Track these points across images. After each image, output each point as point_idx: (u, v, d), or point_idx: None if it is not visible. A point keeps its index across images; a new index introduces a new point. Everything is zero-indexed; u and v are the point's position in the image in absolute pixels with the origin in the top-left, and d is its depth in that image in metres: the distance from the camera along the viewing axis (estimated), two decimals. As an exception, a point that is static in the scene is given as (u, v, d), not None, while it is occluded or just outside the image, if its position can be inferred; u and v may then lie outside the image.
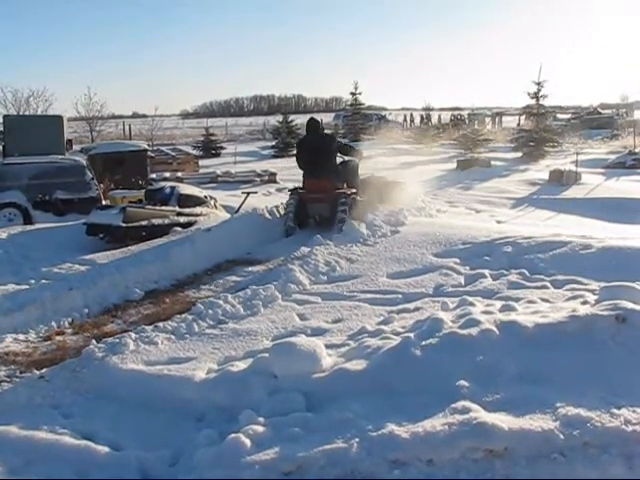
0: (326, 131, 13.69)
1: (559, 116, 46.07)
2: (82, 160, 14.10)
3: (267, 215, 11.72)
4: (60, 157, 13.86)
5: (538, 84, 27.25)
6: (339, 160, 12.03)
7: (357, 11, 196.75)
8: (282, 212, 11.86)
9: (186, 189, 12.66)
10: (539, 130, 26.54)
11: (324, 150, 11.50)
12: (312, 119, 12.23)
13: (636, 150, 24.87)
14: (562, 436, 3.82)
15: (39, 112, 30.52)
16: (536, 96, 27.35)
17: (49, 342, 6.61)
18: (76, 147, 20.54)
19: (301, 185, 11.84)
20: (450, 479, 3.70)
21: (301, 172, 11.84)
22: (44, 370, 5.66)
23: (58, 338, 6.73)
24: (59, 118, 15.70)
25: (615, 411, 4.01)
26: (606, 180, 18.87)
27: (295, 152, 12.76)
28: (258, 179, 20.69)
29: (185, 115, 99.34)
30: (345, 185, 11.61)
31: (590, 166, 21.92)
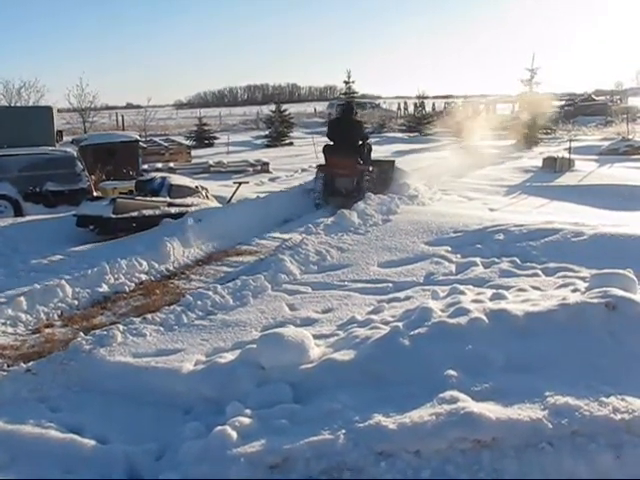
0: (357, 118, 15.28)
1: (553, 103, 45.95)
2: (72, 151, 13.98)
3: None
4: (50, 148, 13.75)
5: (531, 71, 27.21)
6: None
7: (351, 0, 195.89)
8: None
9: (177, 180, 12.59)
10: (532, 118, 26.46)
11: (353, 133, 13.45)
12: (348, 104, 14.98)
13: (629, 137, 24.84)
14: (550, 425, 3.79)
15: (31, 103, 30.28)
16: (529, 83, 27.30)
17: (38, 335, 6.55)
18: (67, 138, 20.41)
19: (325, 163, 13.57)
20: (438, 470, 3.67)
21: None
22: (31, 363, 5.60)
23: (47, 331, 6.68)
24: (49, 109, 15.57)
25: (604, 399, 3.98)
26: (599, 167, 18.81)
27: (327, 129, 14.51)
28: (251, 169, 20.61)
29: (179, 105, 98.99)
30: (363, 163, 13.33)
31: (584, 153, 21.85)
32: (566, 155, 18.69)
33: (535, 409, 3.92)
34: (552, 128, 29.74)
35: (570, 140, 20.71)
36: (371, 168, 13.45)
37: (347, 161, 12.98)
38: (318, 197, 13.08)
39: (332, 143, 13.71)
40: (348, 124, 13.57)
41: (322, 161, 14.24)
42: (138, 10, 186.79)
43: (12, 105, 28.90)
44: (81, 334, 6.17)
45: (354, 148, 13.30)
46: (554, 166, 18.05)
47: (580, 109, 43.66)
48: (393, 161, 15.49)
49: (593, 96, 52.09)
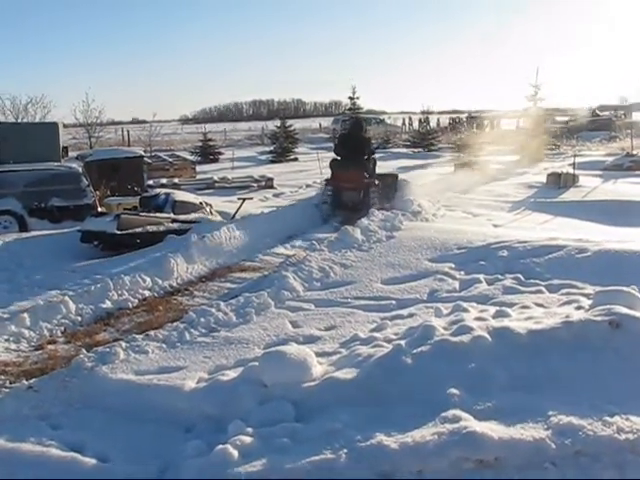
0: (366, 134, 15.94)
1: (557, 118, 45.97)
2: (77, 167, 14.04)
3: None
4: (56, 164, 13.82)
5: (535, 87, 27.28)
6: None
7: (357, 15, 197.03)
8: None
9: (181, 196, 12.64)
10: (536, 133, 26.51)
11: (361, 148, 13.99)
12: (358, 120, 15.78)
13: (634, 152, 24.83)
14: (554, 445, 3.77)
15: (37, 119, 30.43)
16: (533, 99, 27.36)
17: (40, 351, 6.54)
18: (73, 153, 20.48)
19: (331, 177, 14.08)
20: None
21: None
22: (33, 380, 5.58)
23: (50, 347, 6.67)
24: (54, 125, 15.68)
25: (608, 419, 3.96)
26: (603, 182, 18.82)
27: (336, 143, 15.07)
28: (255, 185, 20.65)
29: (184, 120, 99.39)
30: (369, 177, 13.78)
31: (588, 168, 21.85)
32: (570, 171, 18.69)
33: (538, 429, 3.90)
34: (556, 144, 29.75)
35: (574, 156, 20.69)
36: (377, 182, 13.94)
37: (354, 175, 13.49)
38: (326, 210, 13.60)
39: (339, 158, 14.21)
40: (357, 139, 14.09)
41: (327, 176, 14.78)
42: (144, 26, 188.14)
43: (19, 121, 29.03)
44: (83, 351, 6.16)
45: (361, 162, 13.82)
46: (558, 182, 18.05)
47: (584, 124, 43.65)
48: (396, 175, 15.96)
49: (597, 111, 52.12)
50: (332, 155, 14.65)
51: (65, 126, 26.63)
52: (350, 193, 13.59)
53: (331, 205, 13.69)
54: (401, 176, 16.21)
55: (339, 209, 13.63)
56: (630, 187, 17.75)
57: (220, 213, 13.26)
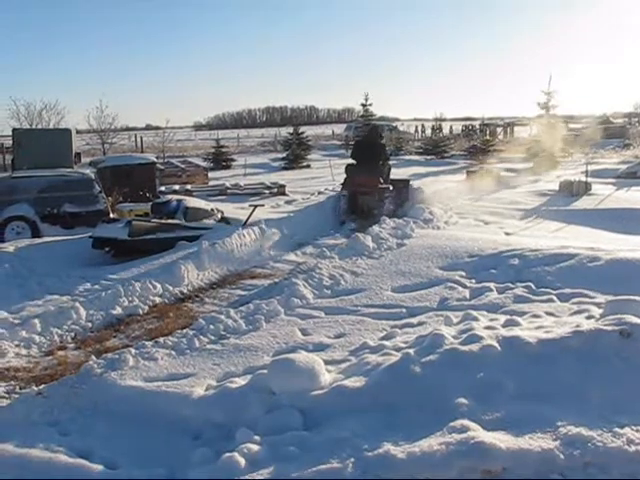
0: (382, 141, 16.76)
1: (571, 125, 45.82)
2: (90, 173, 14.12)
3: None
4: (68, 170, 13.92)
5: (548, 94, 27.22)
6: None
7: (370, 22, 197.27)
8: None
9: (193, 202, 12.65)
10: (549, 141, 26.42)
11: (376, 154, 14.68)
12: (375, 127, 16.71)
13: (648, 160, 24.70)
14: (562, 456, 3.74)
15: (51, 125, 30.64)
16: (546, 106, 27.29)
17: (50, 357, 6.58)
18: (86, 159, 20.61)
19: (347, 180, 14.57)
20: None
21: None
22: (43, 386, 5.61)
23: (60, 353, 6.70)
24: (67, 132, 15.80)
25: (617, 430, 3.93)
26: (617, 190, 18.67)
27: (353, 149, 16.12)
28: (267, 191, 20.64)
29: (198, 127, 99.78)
30: (383, 182, 14.39)
31: (601, 176, 21.72)
32: (583, 179, 18.59)
33: (547, 439, 3.88)
34: (569, 151, 29.63)
35: (587, 163, 20.59)
36: (391, 187, 14.50)
37: (370, 180, 14.12)
38: (343, 213, 14.15)
39: (355, 163, 14.99)
40: (373, 145, 14.95)
41: (341, 181, 15.33)
42: (159, 32, 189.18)
43: (33, 127, 29.24)
44: (93, 357, 6.18)
45: (376, 168, 14.50)
46: (571, 190, 17.94)
47: (598, 131, 43.46)
48: (408, 180, 16.37)
49: (611, 119, 51.91)
50: (344, 162, 15.53)
51: (78, 132, 26.78)
52: (366, 197, 14.14)
53: (347, 209, 14.22)
54: (413, 183, 16.22)
55: (354, 213, 14.15)
56: (643, 195, 17.62)
57: (232, 220, 13.25)
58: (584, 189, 17.91)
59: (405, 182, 15.92)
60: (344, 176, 15.21)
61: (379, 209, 13.77)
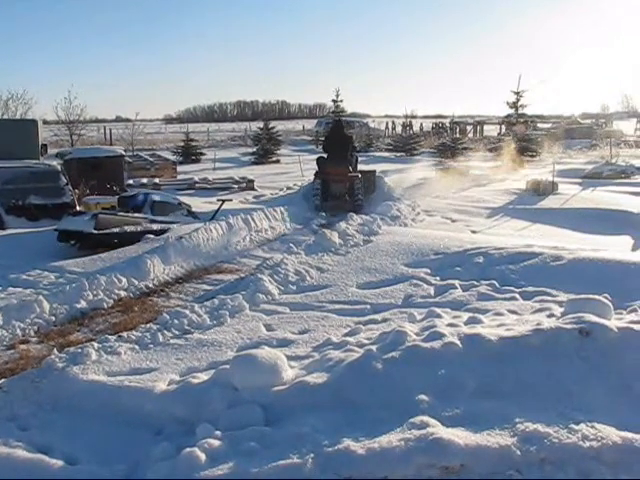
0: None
1: (540, 125, 46.30)
2: (56, 165, 13.98)
3: None
4: (34, 162, 13.75)
5: (517, 94, 27.49)
6: None
7: (341, 19, 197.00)
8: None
9: (160, 196, 12.58)
10: (518, 139, 26.69)
11: (345, 146, 16.36)
12: (339, 121, 18.45)
13: (613, 160, 25.05)
14: (519, 452, 3.79)
15: (18, 115, 30.22)
16: (515, 106, 27.57)
17: (12, 351, 6.48)
18: (53, 151, 20.37)
19: (319, 170, 16.30)
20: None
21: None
22: (2, 380, 5.54)
23: (22, 347, 6.61)
24: (34, 122, 15.60)
25: (573, 426, 3.99)
26: (582, 190, 18.95)
27: (323, 142, 18.26)
28: (236, 186, 20.59)
29: (168, 120, 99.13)
30: (352, 170, 16.16)
31: (568, 176, 22.02)
32: (550, 178, 18.82)
33: (505, 435, 3.92)
34: (537, 150, 29.94)
35: (554, 163, 20.84)
36: (360, 175, 16.18)
37: (340, 169, 15.95)
38: (317, 199, 15.69)
39: (325, 155, 16.68)
40: (340, 138, 16.71)
41: (308, 179, 17.21)
42: (130, 24, 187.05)
43: (-1, 117, 28.83)
44: (55, 351, 6.11)
45: (345, 158, 16.22)
46: (538, 189, 18.16)
47: (566, 132, 43.98)
48: (374, 171, 18.21)
49: (579, 119, 52.58)
50: (314, 158, 17.24)
51: (46, 123, 26.48)
52: (338, 185, 15.97)
53: (321, 195, 15.81)
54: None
55: (328, 199, 15.91)
56: (608, 195, 17.89)
57: (199, 214, 13.22)
58: (551, 188, 18.15)
59: (372, 172, 17.70)
60: (314, 171, 16.83)
61: (350, 195, 15.74)
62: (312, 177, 16.84)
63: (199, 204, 15.06)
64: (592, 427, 3.98)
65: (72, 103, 32.67)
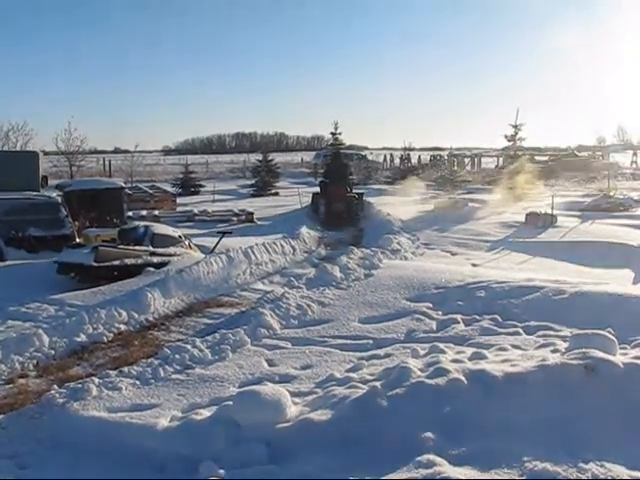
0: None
1: (537, 158, 46.49)
2: (56, 197, 13.96)
3: None
4: (34, 194, 13.72)
5: (515, 127, 27.63)
6: None
7: (340, 51, 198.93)
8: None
9: (160, 229, 12.54)
10: (516, 172, 26.76)
11: (343, 172, 22.18)
12: (337, 153, 23.39)
13: (611, 193, 25.10)
14: (528, 492, 3.73)
15: (18, 146, 30.24)
16: (513, 139, 27.71)
17: (11, 385, 6.42)
18: (53, 182, 20.36)
19: (322, 192, 21.58)
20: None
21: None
22: (1, 416, 5.48)
23: (21, 381, 6.55)
24: (35, 154, 15.61)
25: (583, 465, 3.94)
26: (581, 223, 18.95)
27: (325, 170, 24.77)
28: (235, 218, 20.58)
29: (167, 151, 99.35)
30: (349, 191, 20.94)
31: (566, 208, 22.03)
32: (549, 211, 18.84)
33: (512, 474, 3.87)
34: (535, 183, 30.00)
35: (553, 196, 20.88)
36: (356, 195, 20.88)
37: (340, 191, 20.51)
38: (321, 216, 20.09)
39: (327, 180, 21.77)
40: (339, 166, 22.42)
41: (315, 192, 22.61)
42: (129, 55, 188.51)
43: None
44: (55, 386, 6.05)
45: (343, 182, 21.21)
46: (537, 221, 18.18)
47: (563, 165, 44.12)
48: (362, 193, 22.53)
49: (575, 152, 52.81)
50: (312, 190, 23.35)
51: (46, 154, 26.48)
52: (338, 204, 20.13)
53: (324, 213, 20.09)
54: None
55: (329, 216, 19.83)
56: (607, 228, 17.88)
57: (199, 247, 13.19)
58: (550, 221, 18.15)
59: (360, 195, 21.84)
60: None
61: (348, 212, 19.99)
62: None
63: (199, 237, 15.04)
64: (602, 466, 3.93)
65: (72, 134, 32.73)
